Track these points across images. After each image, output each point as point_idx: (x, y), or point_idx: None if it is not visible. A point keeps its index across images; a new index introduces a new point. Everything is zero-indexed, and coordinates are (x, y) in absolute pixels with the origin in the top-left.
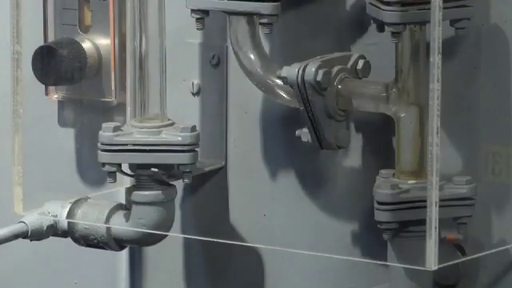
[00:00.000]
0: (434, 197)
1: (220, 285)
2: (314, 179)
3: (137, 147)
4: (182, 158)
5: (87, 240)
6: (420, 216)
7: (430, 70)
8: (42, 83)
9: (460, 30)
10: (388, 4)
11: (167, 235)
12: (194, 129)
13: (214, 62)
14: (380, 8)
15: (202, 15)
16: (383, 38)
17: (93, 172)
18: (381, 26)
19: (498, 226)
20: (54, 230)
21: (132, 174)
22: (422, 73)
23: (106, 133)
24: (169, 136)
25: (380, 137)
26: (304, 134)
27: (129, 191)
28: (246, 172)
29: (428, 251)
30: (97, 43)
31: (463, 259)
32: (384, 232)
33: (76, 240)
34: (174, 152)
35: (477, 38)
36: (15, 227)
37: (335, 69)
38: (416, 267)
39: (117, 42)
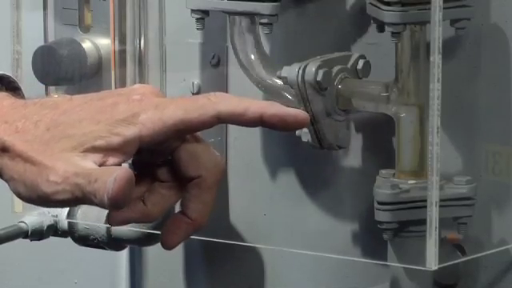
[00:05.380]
0: (434, 197)
1: (220, 285)
2: (313, 179)
3: None
4: None
5: (87, 240)
6: (420, 216)
7: (430, 69)
8: (42, 83)
9: (460, 29)
10: (388, 4)
11: None
12: None
13: (214, 62)
14: (380, 8)
15: (202, 15)
16: (383, 38)
17: None
18: (381, 26)
19: (498, 225)
20: (53, 230)
21: None
22: (422, 73)
23: None
24: None
25: (380, 137)
26: (304, 134)
27: None
28: (246, 172)
29: (428, 251)
30: (97, 43)
31: (463, 259)
32: (384, 232)
33: (76, 240)
34: None
35: (477, 37)
36: (15, 227)
37: (335, 69)
38: (416, 267)
39: (117, 41)
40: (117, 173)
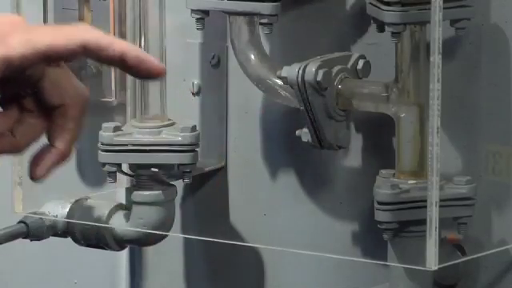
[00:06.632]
0: (434, 197)
1: (220, 285)
2: (313, 179)
3: (137, 147)
4: (182, 158)
5: (87, 240)
6: (420, 216)
7: (430, 69)
8: None
9: (460, 30)
10: (388, 4)
11: (167, 235)
12: (194, 129)
13: (214, 62)
14: (380, 8)
15: (202, 15)
16: (383, 38)
17: (93, 172)
18: (381, 26)
19: (498, 225)
20: (53, 230)
21: (132, 174)
22: (422, 73)
23: (106, 133)
24: (169, 136)
25: (380, 137)
26: (304, 134)
27: (129, 191)
28: (246, 172)
29: (428, 251)
30: None
31: (463, 259)
32: (384, 232)
33: (76, 240)
34: (174, 152)
35: (477, 38)
36: (15, 227)
37: (335, 69)
38: (416, 267)
39: None
40: None
